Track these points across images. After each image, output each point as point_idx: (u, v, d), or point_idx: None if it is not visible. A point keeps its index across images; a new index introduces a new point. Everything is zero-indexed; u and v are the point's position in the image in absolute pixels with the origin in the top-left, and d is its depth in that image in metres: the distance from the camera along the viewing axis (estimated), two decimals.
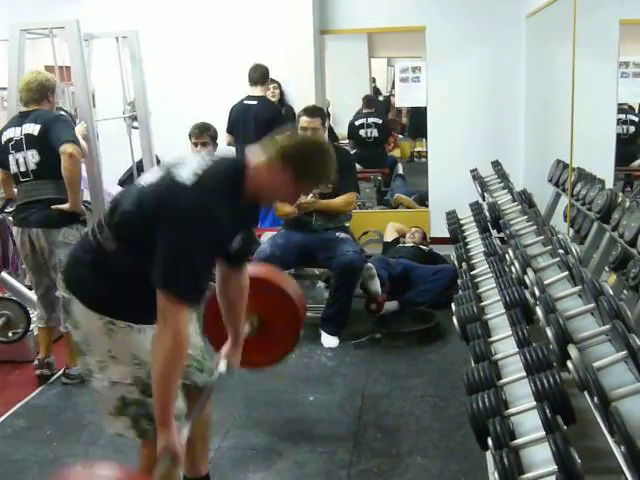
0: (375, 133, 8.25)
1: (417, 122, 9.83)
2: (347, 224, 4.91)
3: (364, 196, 8.16)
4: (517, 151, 6.42)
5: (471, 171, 5.12)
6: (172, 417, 2.12)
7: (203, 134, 4.95)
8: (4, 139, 4.00)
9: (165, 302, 2.06)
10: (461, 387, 2.34)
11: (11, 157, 3.96)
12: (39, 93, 4.03)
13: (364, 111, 8.48)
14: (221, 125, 5.73)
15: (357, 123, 8.32)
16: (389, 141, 8.61)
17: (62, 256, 3.83)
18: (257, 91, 5.92)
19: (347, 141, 8.63)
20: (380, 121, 8.34)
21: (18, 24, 6.06)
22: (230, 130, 5.95)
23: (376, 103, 9.21)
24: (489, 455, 2.19)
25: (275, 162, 2.21)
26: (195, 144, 4.95)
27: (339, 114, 9.63)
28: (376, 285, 4.72)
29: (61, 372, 4.21)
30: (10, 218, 4.85)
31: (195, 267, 2.09)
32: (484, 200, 4.48)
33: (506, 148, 6.30)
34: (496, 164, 5.14)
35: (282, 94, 6.64)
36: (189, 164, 2.21)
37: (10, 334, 4.38)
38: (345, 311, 4.67)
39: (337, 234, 4.73)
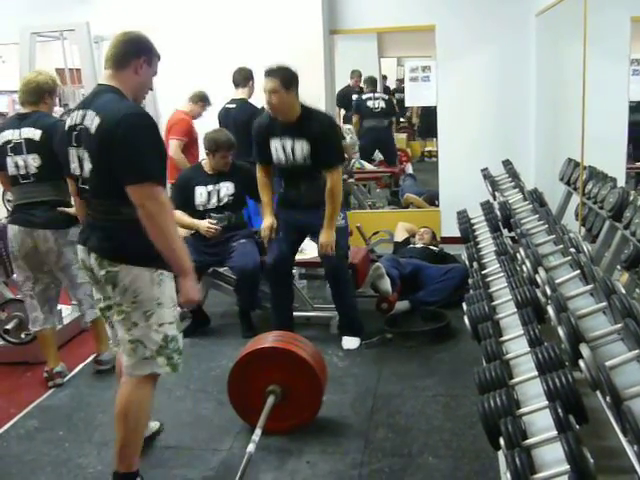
0: (382, 104, 8.86)
1: (427, 122, 9.86)
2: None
3: (375, 196, 8.17)
4: (528, 150, 6.40)
5: (482, 170, 5.11)
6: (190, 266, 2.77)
7: (231, 149, 4.87)
8: (1, 141, 3.99)
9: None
10: (472, 387, 2.33)
11: (9, 159, 3.97)
12: (36, 95, 3.99)
13: (368, 89, 9.16)
14: None
15: (364, 97, 8.99)
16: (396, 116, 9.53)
17: (71, 255, 3.89)
18: (238, 94, 5.94)
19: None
20: (386, 97, 9.08)
21: (29, 27, 6.11)
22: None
23: (377, 85, 9.70)
24: (501, 455, 2.19)
25: None
26: (224, 156, 4.86)
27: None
28: (386, 284, 4.71)
29: (91, 359, 4.41)
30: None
31: None
32: (495, 199, 4.47)
33: (517, 147, 6.29)
34: (507, 163, 5.13)
35: None
36: None
37: (22, 335, 4.41)
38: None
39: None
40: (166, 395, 3.96)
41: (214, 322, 5.03)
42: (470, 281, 3.34)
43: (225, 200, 4.82)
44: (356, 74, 9.47)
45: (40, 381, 4.19)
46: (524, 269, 2.92)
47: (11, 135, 3.96)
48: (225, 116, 5.89)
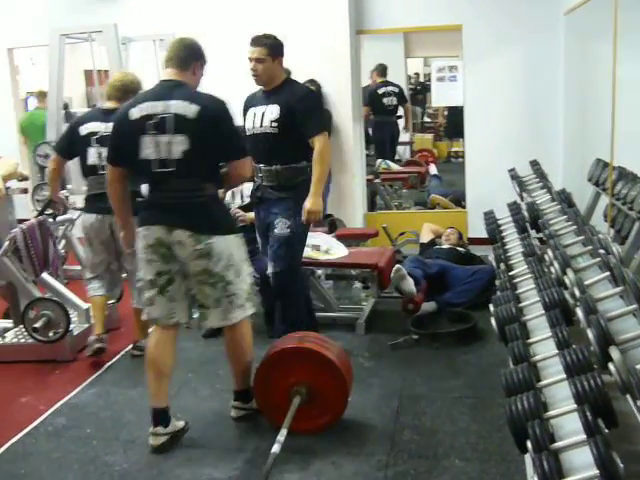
0: (394, 101, 8.95)
1: (454, 122, 9.82)
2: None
3: (401, 196, 8.15)
4: (556, 150, 6.35)
5: (509, 171, 5.07)
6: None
7: None
8: (85, 131, 4.29)
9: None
10: (499, 389, 2.31)
11: (93, 150, 4.27)
12: (123, 92, 4.27)
13: (379, 80, 9.00)
14: None
15: (380, 92, 8.93)
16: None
17: None
18: None
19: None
20: (397, 89, 9.02)
21: (58, 29, 6.17)
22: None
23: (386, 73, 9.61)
24: (528, 458, 2.16)
25: None
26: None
27: None
28: (409, 285, 4.70)
29: (118, 357, 4.53)
30: (51, 220, 4.93)
31: None
32: (522, 200, 4.44)
33: (544, 147, 6.23)
34: (534, 163, 5.09)
35: (321, 95, 6.61)
36: None
37: (51, 334, 4.45)
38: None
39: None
40: (192, 395, 3.98)
41: None
42: (497, 282, 3.32)
43: (248, 200, 4.84)
44: (378, 69, 9.38)
45: (68, 379, 4.23)
46: (552, 270, 2.90)
47: (97, 127, 4.27)
48: None
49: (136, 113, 3.20)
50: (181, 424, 3.48)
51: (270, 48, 4.04)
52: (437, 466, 3.11)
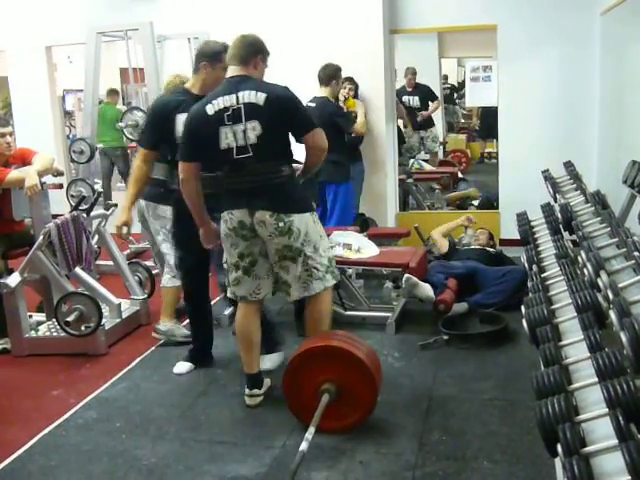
0: (417, 102, 9.24)
1: (487, 122, 9.76)
2: None
3: (433, 197, 8.12)
4: (590, 152, 6.28)
5: (543, 172, 5.02)
6: None
7: None
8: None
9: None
10: (530, 391, 2.29)
11: None
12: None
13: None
14: None
15: (404, 99, 9.18)
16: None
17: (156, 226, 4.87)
18: (321, 92, 5.93)
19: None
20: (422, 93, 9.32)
21: (95, 27, 6.23)
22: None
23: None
24: (558, 462, 2.14)
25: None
26: None
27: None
28: (424, 290, 4.72)
29: (148, 353, 4.64)
30: (84, 215, 4.99)
31: None
32: (556, 201, 4.39)
33: (579, 149, 6.16)
34: (568, 165, 5.02)
35: (357, 96, 6.60)
36: None
37: (83, 328, 4.50)
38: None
39: None
40: (221, 391, 4.00)
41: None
42: (529, 284, 3.29)
43: None
44: (410, 72, 9.39)
45: (99, 373, 4.28)
46: (585, 272, 2.86)
47: None
48: None
49: (211, 109, 3.51)
50: (268, 382, 3.88)
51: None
52: (466, 468, 3.09)
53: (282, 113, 3.47)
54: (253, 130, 3.44)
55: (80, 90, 10.57)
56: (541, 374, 2.23)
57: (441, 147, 10.27)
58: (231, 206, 3.57)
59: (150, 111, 4.15)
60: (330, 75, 5.92)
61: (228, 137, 3.48)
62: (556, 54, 6.38)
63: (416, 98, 9.20)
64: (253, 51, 3.60)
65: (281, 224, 3.48)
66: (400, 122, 9.35)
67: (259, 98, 3.44)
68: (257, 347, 3.79)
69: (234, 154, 3.48)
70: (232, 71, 3.62)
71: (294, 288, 3.64)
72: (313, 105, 5.81)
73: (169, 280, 4.78)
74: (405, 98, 9.17)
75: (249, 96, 3.45)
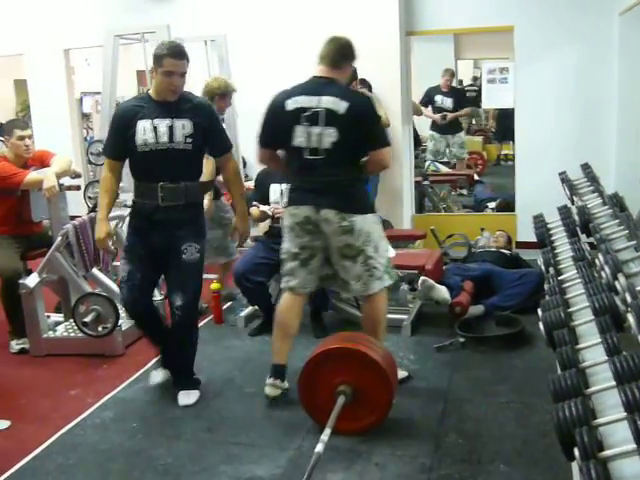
0: (450, 104, 9.18)
1: (504, 124, 9.72)
2: None
3: (450, 200, 8.10)
4: (608, 153, 6.24)
5: (560, 174, 5.00)
6: None
7: None
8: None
9: None
10: (546, 394, 2.28)
11: None
12: (207, 97, 5.05)
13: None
14: None
15: (434, 92, 9.22)
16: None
17: None
18: None
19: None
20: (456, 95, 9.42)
21: (112, 30, 6.26)
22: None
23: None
24: (575, 466, 2.13)
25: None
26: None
27: (422, 118, 9.58)
28: (440, 293, 4.72)
29: None
30: None
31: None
32: (573, 204, 4.37)
33: (596, 150, 6.13)
34: (586, 167, 4.99)
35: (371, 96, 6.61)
36: None
37: (100, 328, 4.52)
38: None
39: None
40: (237, 392, 4.01)
41: None
42: (546, 287, 3.27)
43: None
44: (448, 73, 9.36)
45: (116, 374, 4.30)
46: (603, 275, 2.84)
47: None
48: None
49: (291, 104, 3.62)
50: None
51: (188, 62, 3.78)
52: (482, 471, 3.08)
53: (360, 125, 3.55)
54: (329, 136, 3.53)
55: (97, 92, 10.60)
56: (558, 377, 2.22)
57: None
58: (298, 202, 3.71)
59: (112, 117, 3.89)
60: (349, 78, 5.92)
61: (302, 137, 3.59)
62: (574, 55, 6.35)
63: (449, 100, 9.14)
64: (345, 55, 3.70)
65: (344, 223, 3.59)
66: (427, 124, 9.35)
67: (340, 106, 3.51)
68: (291, 339, 3.88)
69: (306, 154, 3.60)
70: (320, 71, 3.68)
71: (353, 286, 3.75)
72: None
73: None
74: (438, 98, 9.13)
75: (331, 102, 3.53)
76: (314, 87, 3.63)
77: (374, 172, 3.98)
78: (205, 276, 5.82)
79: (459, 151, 9.43)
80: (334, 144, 3.53)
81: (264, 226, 4.98)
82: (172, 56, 3.59)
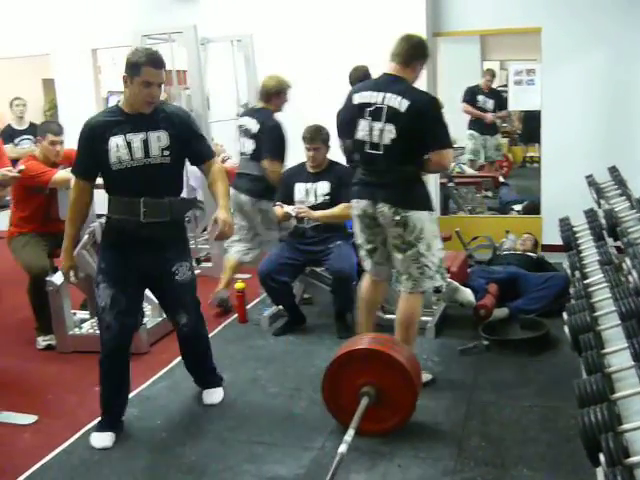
0: (491, 105, 9.12)
1: (530, 126, 9.65)
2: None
3: (474, 202, 8.06)
4: (636, 157, 6.16)
5: (586, 177, 4.96)
6: None
7: (315, 139, 4.86)
8: (238, 123, 5.52)
9: None
10: (571, 399, 2.27)
11: (242, 140, 5.40)
12: (264, 95, 5.31)
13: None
14: (334, 128, 5.77)
15: (478, 92, 9.18)
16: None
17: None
18: None
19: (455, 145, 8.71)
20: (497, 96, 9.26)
21: (140, 30, 6.31)
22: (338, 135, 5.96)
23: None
24: (600, 472, 2.12)
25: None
26: (308, 149, 4.89)
27: (448, 118, 9.53)
28: (464, 295, 4.70)
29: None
30: None
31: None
32: (599, 207, 4.34)
33: (625, 154, 6.05)
34: (613, 170, 4.96)
35: None
36: None
37: None
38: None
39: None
40: (261, 392, 4.03)
41: (310, 322, 5.08)
42: (572, 290, 3.26)
43: (321, 200, 4.86)
44: (489, 74, 9.31)
45: (140, 372, 4.32)
46: (630, 280, 2.82)
47: (246, 122, 5.32)
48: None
49: (357, 99, 3.78)
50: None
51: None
52: (505, 474, 3.07)
53: (420, 124, 3.60)
54: (389, 133, 3.62)
55: (120, 92, 10.72)
56: (583, 382, 2.22)
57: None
58: (359, 195, 3.84)
59: (81, 134, 3.43)
60: (363, 77, 5.92)
61: (364, 131, 3.72)
62: (601, 57, 6.29)
63: (491, 101, 9.06)
64: (416, 55, 3.75)
65: (397, 217, 3.68)
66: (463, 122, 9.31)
67: (402, 105, 3.58)
68: (373, 313, 4.16)
69: (367, 148, 3.73)
70: (390, 68, 3.76)
71: (404, 280, 3.83)
72: None
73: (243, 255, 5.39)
74: (480, 98, 9.05)
75: (393, 100, 3.61)
76: (381, 84, 3.74)
77: (433, 172, 4.05)
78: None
79: (495, 153, 9.37)
80: (393, 141, 3.62)
81: (281, 212, 4.94)
82: (152, 64, 3.24)
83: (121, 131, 3.31)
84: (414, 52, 3.75)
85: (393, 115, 3.61)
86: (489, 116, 9.04)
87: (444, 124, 3.69)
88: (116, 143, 3.30)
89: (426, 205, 3.79)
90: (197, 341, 3.83)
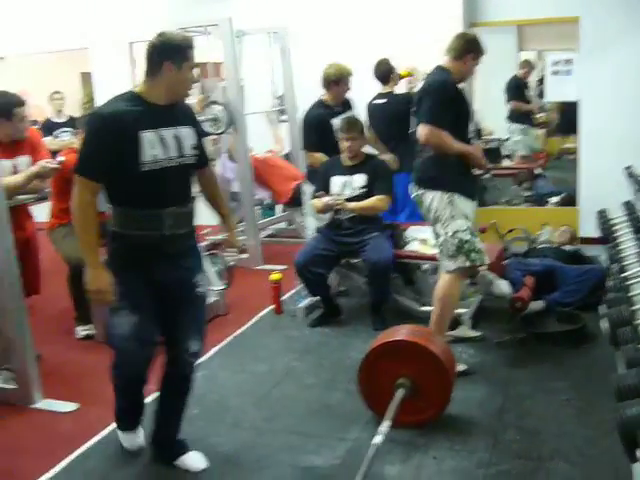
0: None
1: (567, 117, 9.53)
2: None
3: (511, 193, 7.99)
4: None
5: (625, 168, 4.91)
6: None
7: (351, 130, 4.87)
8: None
9: None
10: (608, 393, 2.26)
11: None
12: (324, 83, 5.41)
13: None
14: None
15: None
16: None
17: None
18: (385, 88, 5.93)
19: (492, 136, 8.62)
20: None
21: (176, 23, 6.35)
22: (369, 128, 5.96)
23: None
24: (637, 468, 2.11)
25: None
26: (343, 140, 4.90)
27: (485, 109, 9.44)
28: (501, 288, 4.67)
29: (225, 343, 4.52)
30: None
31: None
32: (639, 199, 4.29)
33: None
34: None
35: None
36: None
37: None
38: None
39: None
40: (296, 383, 4.05)
41: (345, 313, 5.10)
42: (610, 283, 3.23)
43: (357, 192, 4.87)
44: (528, 65, 9.22)
45: None
46: None
47: None
48: (374, 111, 5.91)
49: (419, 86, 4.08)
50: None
51: None
52: (540, 468, 3.06)
53: (423, 102, 3.87)
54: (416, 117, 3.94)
55: None
56: (621, 376, 2.20)
57: None
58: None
59: (94, 126, 2.87)
60: (387, 71, 5.92)
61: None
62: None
63: (531, 93, 9.01)
64: (467, 49, 3.96)
65: (414, 195, 4.04)
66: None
67: (421, 86, 3.99)
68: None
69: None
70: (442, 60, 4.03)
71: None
72: (384, 101, 5.82)
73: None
74: (525, 91, 9.00)
75: (422, 84, 4.02)
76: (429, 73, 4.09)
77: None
78: (268, 267, 5.96)
79: (535, 145, 9.30)
80: (417, 124, 3.91)
81: (320, 204, 4.97)
82: (192, 47, 2.92)
83: (151, 125, 2.83)
84: (464, 47, 3.96)
85: (418, 99, 3.92)
86: (535, 107, 8.94)
87: (433, 102, 3.85)
88: (149, 139, 2.80)
89: (441, 185, 3.88)
90: (190, 384, 3.30)
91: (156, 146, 2.82)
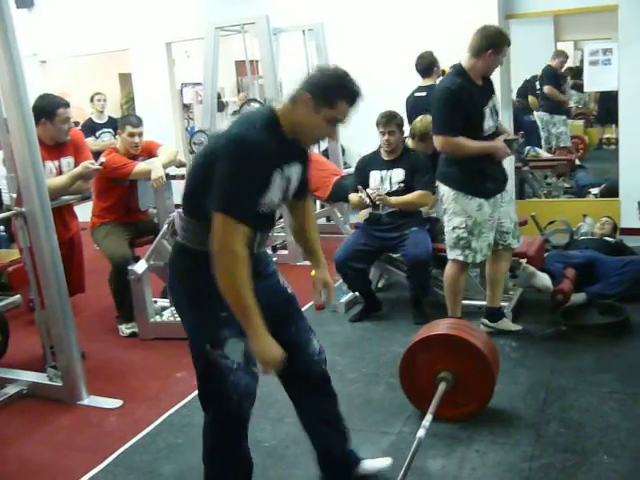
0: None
1: (607, 107, 9.42)
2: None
3: (550, 185, 7.92)
4: None
5: None
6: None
7: (390, 123, 4.87)
8: None
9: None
10: None
11: None
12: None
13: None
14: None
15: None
16: None
17: None
18: (426, 81, 5.91)
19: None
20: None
21: (213, 22, 6.42)
22: (409, 122, 5.95)
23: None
24: None
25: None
26: (383, 133, 4.90)
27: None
28: (542, 280, 4.67)
29: None
30: None
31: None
32: None
33: None
34: None
35: None
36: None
37: None
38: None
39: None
40: (338, 377, 4.05)
41: (386, 308, 5.11)
42: None
43: (396, 187, 4.88)
44: (562, 55, 9.13)
45: None
46: None
47: None
48: (415, 104, 5.89)
49: None
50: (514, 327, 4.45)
51: None
52: (585, 461, 3.04)
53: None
54: None
55: (196, 83, 10.92)
56: None
57: None
58: None
59: (240, 155, 2.27)
60: (429, 64, 5.90)
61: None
62: None
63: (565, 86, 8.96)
64: (486, 45, 3.90)
65: (436, 185, 4.40)
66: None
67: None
68: (496, 286, 4.43)
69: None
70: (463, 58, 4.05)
71: None
72: (425, 94, 5.80)
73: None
74: (562, 82, 8.97)
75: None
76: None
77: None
78: (308, 263, 5.97)
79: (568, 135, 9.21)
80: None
81: (365, 213, 5.01)
82: (350, 101, 2.41)
83: (282, 162, 2.42)
84: (483, 43, 3.91)
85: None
86: (571, 99, 8.86)
87: (439, 111, 4.04)
88: (278, 178, 2.40)
89: (451, 182, 4.14)
90: (329, 381, 2.98)
91: (278, 190, 2.43)
